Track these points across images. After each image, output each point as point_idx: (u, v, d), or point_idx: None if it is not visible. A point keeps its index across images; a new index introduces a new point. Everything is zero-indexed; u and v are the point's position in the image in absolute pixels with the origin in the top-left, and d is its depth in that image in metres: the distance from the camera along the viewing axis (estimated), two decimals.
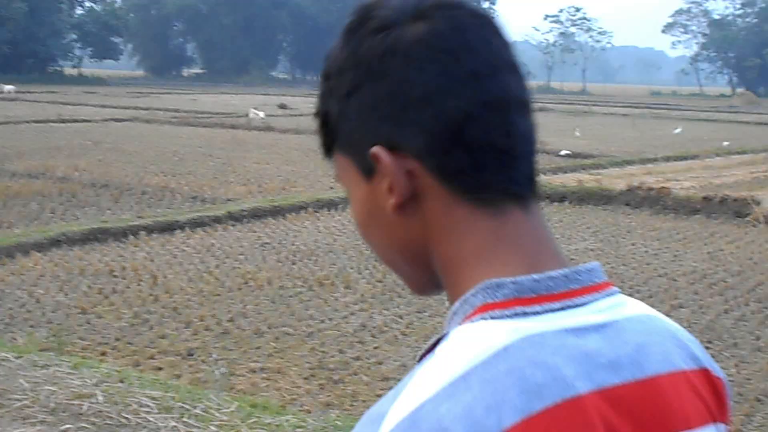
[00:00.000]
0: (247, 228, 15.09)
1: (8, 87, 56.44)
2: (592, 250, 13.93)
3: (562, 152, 27.38)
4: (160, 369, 7.82)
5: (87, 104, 49.80)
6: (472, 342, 0.93)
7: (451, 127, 0.99)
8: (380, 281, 11.40)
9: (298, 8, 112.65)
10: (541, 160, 24.47)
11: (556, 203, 18.39)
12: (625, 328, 1.01)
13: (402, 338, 9.25)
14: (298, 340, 9.07)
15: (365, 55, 1.02)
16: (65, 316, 9.65)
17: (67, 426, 4.36)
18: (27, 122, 35.27)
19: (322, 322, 9.73)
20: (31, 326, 9.21)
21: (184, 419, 4.42)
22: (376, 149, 1.01)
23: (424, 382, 0.91)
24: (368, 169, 1.04)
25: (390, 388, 0.93)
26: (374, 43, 1.01)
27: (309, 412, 6.19)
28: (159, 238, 13.90)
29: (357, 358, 8.52)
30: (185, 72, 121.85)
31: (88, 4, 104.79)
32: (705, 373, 1.07)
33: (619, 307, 1.03)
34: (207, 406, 4.58)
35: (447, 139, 0.99)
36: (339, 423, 5.28)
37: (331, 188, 19.28)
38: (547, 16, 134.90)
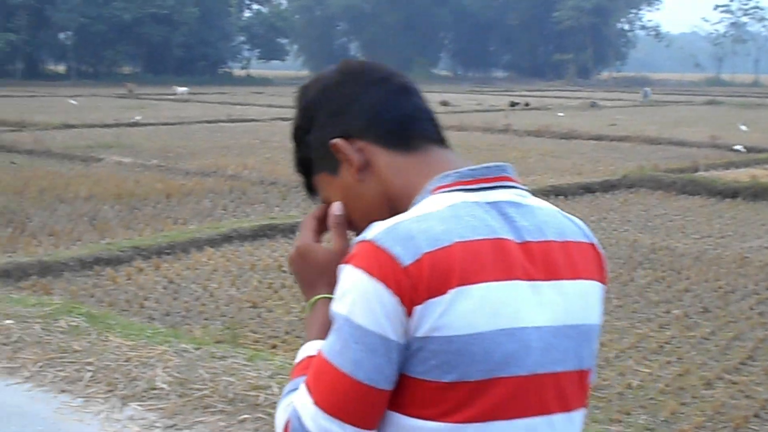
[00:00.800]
0: None
1: (181, 89, 58.78)
2: (766, 247, 13.36)
3: (736, 147, 26.29)
4: None
5: (255, 104, 51.23)
6: (430, 201, 1.45)
7: (377, 105, 1.57)
8: None
9: (459, 5, 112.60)
10: (712, 155, 23.66)
11: (728, 199, 17.72)
12: (533, 209, 1.51)
13: None
14: None
15: (313, 100, 1.67)
16: (237, 310, 9.95)
17: (245, 416, 4.50)
18: (199, 122, 36.61)
19: None
20: (206, 319, 9.55)
21: None
22: (334, 141, 1.56)
23: (400, 217, 1.41)
24: (335, 168, 1.59)
25: None
26: (314, 91, 1.67)
27: None
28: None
29: None
30: None
31: (255, 7, 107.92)
32: (592, 246, 1.57)
33: (528, 197, 1.54)
34: None
35: (378, 117, 1.56)
36: None
37: None
38: (717, 6, 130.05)
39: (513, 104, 50.05)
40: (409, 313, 1.32)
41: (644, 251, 12.82)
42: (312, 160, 1.66)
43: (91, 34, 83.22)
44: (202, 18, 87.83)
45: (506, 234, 1.42)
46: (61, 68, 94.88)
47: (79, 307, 6.75)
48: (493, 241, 1.39)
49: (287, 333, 9.15)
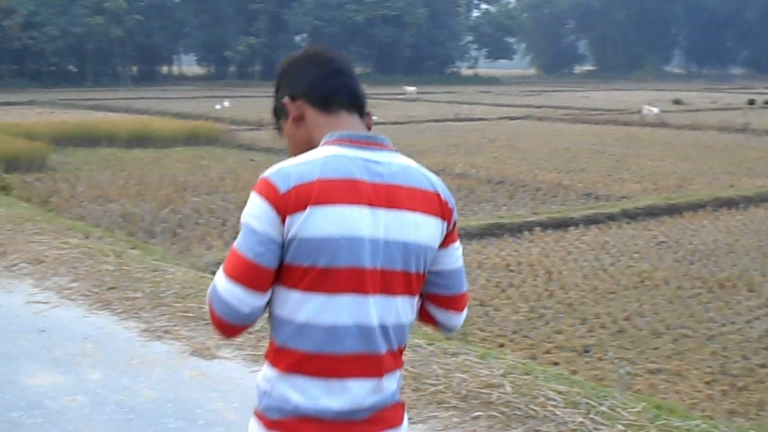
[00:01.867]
0: (642, 226, 14.80)
1: (410, 88, 59.78)
2: None
3: None
4: (555, 364, 7.87)
5: (482, 103, 51.43)
6: (317, 149, 2.14)
7: (312, 80, 2.25)
8: None
9: (693, 0, 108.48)
10: None
11: None
12: (391, 164, 2.16)
13: None
14: (698, 343, 8.73)
15: (281, 70, 2.36)
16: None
17: (478, 413, 4.53)
18: (427, 121, 37.14)
19: (723, 325, 9.29)
20: None
21: (591, 416, 4.41)
22: (285, 102, 2.28)
23: (287, 161, 2.10)
24: (286, 116, 2.30)
25: None
26: (284, 64, 2.36)
27: (711, 418, 5.93)
28: (553, 235, 14.03)
29: (763, 366, 8.05)
30: (576, 69, 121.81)
31: (483, 6, 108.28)
32: (436, 194, 2.20)
33: (394, 157, 2.20)
34: (612, 404, 4.53)
35: (310, 85, 2.25)
36: None
37: (731, 186, 18.39)
38: None
39: (751, 102, 47.71)
40: (283, 222, 2.07)
41: None
42: (277, 117, 2.39)
43: (325, 36, 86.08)
44: (431, 18, 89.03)
45: (361, 176, 2.12)
46: None
47: None
48: (347, 180, 2.10)
49: (514, 332, 9.13)
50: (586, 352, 8.52)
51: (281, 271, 2.10)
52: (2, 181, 14.92)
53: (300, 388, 2.10)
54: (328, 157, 2.12)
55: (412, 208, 2.15)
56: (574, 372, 7.34)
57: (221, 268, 2.14)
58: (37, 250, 8.62)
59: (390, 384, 2.19)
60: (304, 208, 2.04)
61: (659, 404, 4.78)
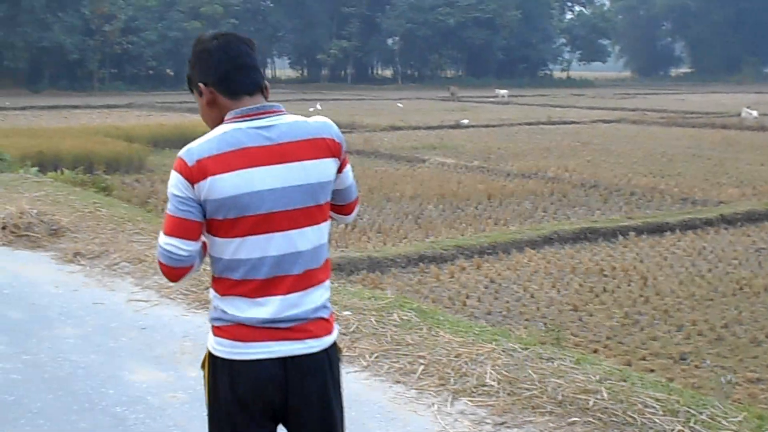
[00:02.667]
0: (740, 232, 14.46)
1: (502, 91, 59.45)
2: None
3: None
4: (651, 371, 7.75)
5: (575, 106, 50.88)
6: (218, 128, 2.77)
7: (221, 75, 2.78)
8: None
9: None
10: None
11: None
12: (279, 126, 2.76)
13: None
14: None
15: (196, 53, 2.87)
16: (557, 312, 9.95)
17: (574, 419, 4.49)
18: (519, 124, 36.89)
19: None
20: (527, 320, 9.62)
21: (691, 424, 4.33)
22: (200, 84, 2.82)
23: (195, 141, 2.73)
24: (200, 94, 2.83)
25: None
26: (198, 48, 2.87)
27: None
28: (648, 240, 13.81)
29: None
30: (672, 72, 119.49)
31: (577, 8, 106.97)
32: (325, 139, 2.80)
33: (282, 119, 2.78)
34: (712, 413, 4.44)
35: (220, 78, 2.79)
36: None
37: None
38: None
39: None
40: (193, 187, 2.70)
41: None
42: (191, 86, 2.94)
43: (417, 39, 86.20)
44: (524, 20, 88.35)
45: (253, 144, 2.74)
46: (388, 72, 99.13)
47: (410, 302, 7.01)
48: (240, 149, 2.72)
49: (609, 338, 9.02)
50: (683, 359, 8.38)
51: (207, 224, 2.77)
52: (103, 182, 15.31)
53: (233, 304, 2.78)
54: (225, 133, 2.75)
55: (303, 158, 2.78)
56: (671, 380, 7.20)
57: (161, 230, 2.79)
58: (138, 250, 8.83)
59: (310, 300, 2.80)
60: (206, 178, 2.69)
61: (761, 414, 4.67)
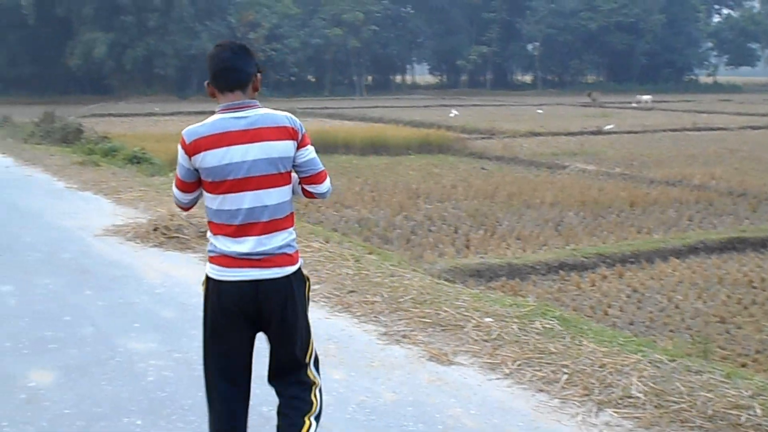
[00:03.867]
0: None
1: (645, 97, 58.18)
2: None
3: None
4: None
5: (722, 112, 49.33)
6: (212, 116, 3.90)
7: (213, 75, 3.92)
8: None
9: None
10: None
11: None
12: (254, 116, 3.88)
13: None
14: None
15: (206, 59, 4.04)
16: (704, 324, 9.67)
17: None
18: (663, 131, 36.00)
19: None
20: (671, 331, 9.39)
21: None
22: (206, 83, 3.97)
23: (196, 124, 3.90)
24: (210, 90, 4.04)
25: None
26: (207, 55, 4.06)
27: None
28: None
29: None
30: None
31: (725, 11, 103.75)
32: (286, 127, 3.89)
33: (256, 111, 3.91)
34: None
35: (213, 77, 3.93)
36: None
37: None
38: None
39: None
40: (191, 159, 3.79)
41: None
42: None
43: (558, 44, 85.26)
44: (668, 24, 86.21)
45: (232, 128, 3.78)
46: (527, 78, 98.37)
47: (553, 310, 6.94)
48: (223, 133, 3.76)
49: (758, 352, 8.72)
50: None
51: (202, 184, 3.90)
52: None
53: (220, 241, 3.87)
54: (215, 120, 3.85)
55: (269, 139, 3.84)
56: None
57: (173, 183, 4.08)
58: None
59: (275, 240, 3.86)
60: (199, 152, 3.80)
61: None
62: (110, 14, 65.99)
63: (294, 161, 3.93)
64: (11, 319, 6.96)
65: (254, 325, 3.96)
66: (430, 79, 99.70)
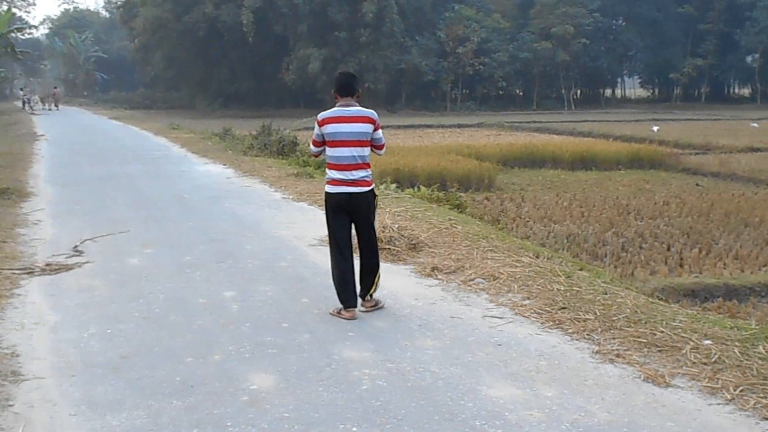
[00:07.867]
0: None
1: None
2: None
3: None
4: None
5: None
6: (335, 107, 7.70)
7: (337, 88, 7.65)
8: None
9: None
10: None
11: None
12: (354, 109, 7.58)
13: None
14: None
15: (334, 78, 7.94)
16: None
17: None
18: None
19: None
20: None
21: None
22: (332, 91, 7.80)
23: (328, 111, 7.67)
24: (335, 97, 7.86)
25: None
26: (335, 75, 8.01)
27: None
28: None
29: None
30: None
31: None
32: (368, 117, 7.59)
33: (357, 107, 7.63)
34: None
35: (339, 87, 7.64)
36: None
37: None
38: None
39: None
40: (320, 128, 7.53)
41: None
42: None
43: None
44: None
45: (342, 114, 7.45)
46: (745, 91, 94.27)
47: None
48: (338, 116, 7.45)
49: None
50: None
51: (325, 141, 7.47)
52: (457, 199, 15.79)
53: (333, 171, 7.47)
54: (335, 109, 7.44)
55: (361, 122, 7.37)
56: None
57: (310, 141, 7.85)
58: (492, 267, 9.02)
59: (359, 173, 7.39)
60: (324, 125, 7.41)
61: None
62: (324, 31, 68.24)
63: (371, 136, 7.44)
64: (234, 323, 7.30)
65: (348, 215, 7.50)
66: (640, 92, 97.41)
